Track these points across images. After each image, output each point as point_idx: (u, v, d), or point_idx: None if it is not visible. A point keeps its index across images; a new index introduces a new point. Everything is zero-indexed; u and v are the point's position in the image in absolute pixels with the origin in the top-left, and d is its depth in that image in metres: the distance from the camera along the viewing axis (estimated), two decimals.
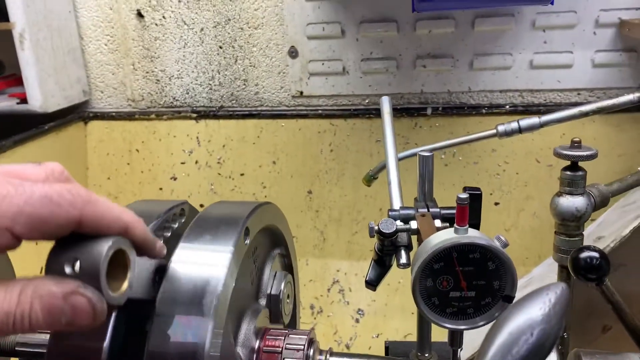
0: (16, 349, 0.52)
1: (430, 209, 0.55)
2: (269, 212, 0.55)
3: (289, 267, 0.63)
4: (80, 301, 0.31)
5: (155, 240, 0.38)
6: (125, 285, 0.35)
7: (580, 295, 0.88)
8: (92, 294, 0.32)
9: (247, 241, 0.48)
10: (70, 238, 0.33)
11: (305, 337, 0.51)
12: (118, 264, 0.35)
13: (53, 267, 0.32)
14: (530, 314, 0.28)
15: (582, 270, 0.51)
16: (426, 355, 0.59)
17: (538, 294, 0.29)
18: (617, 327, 0.94)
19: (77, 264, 0.32)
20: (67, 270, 0.32)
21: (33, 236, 0.31)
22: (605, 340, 0.94)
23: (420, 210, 0.55)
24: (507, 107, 1.20)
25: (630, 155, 1.18)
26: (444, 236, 0.45)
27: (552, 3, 0.85)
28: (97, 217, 0.33)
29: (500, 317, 0.29)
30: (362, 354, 0.53)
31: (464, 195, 0.44)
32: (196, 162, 1.36)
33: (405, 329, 1.29)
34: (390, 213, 0.56)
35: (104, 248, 0.32)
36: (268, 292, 0.56)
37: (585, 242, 0.66)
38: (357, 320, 1.34)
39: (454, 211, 0.46)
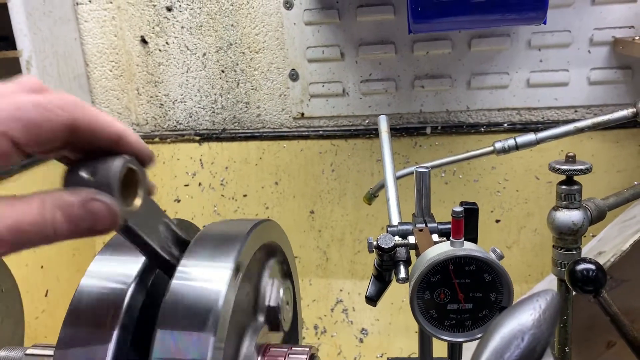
0: None
1: (428, 224, 0.56)
2: (270, 229, 0.56)
3: (287, 274, 0.64)
4: (98, 206, 0.32)
5: (149, 148, 0.39)
6: (137, 200, 0.37)
7: (584, 311, 0.88)
8: (108, 199, 0.33)
9: (248, 258, 0.49)
10: (82, 161, 0.34)
11: (306, 354, 0.52)
12: (129, 184, 0.36)
13: (71, 179, 0.34)
14: (520, 319, 0.29)
15: (579, 282, 0.51)
16: None
17: (529, 300, 0.30)
18: (622, 342, 0.94)
19: (92, 178, 0.34)
20: (85, 176, 0.33)
21: (31, 143, 0.31)
22: (610, 356, 0.94)
23: (418, 225, 0.56)
24: (505, 125, 1.22)
25: (629, 171, 1.19)
26: (440, 249, 0.46)
27: (544, 22, 0.87)
28: (91, 121, 0.33)
29: (492, 322, 0.30)
30: None
31: (459, 209, 0.45)
32: (199, 184, 1.37)
33: (409, 348, 1.29)
34: (388, 229, 0.57)
35: (117, 163, 0.34)
36: (267, 303, 0.56)
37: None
38: (361, 340, 1.34)
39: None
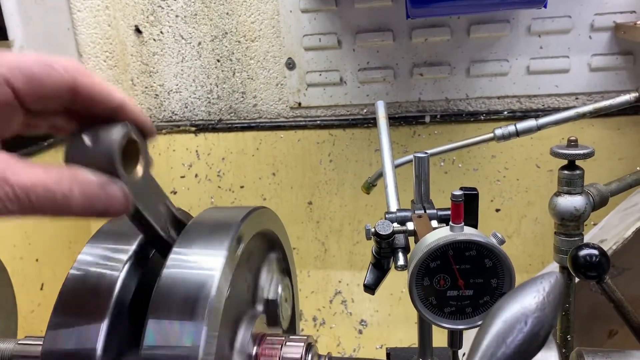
0: (13, 358, 0.52)
1: (427, 210, 0.55)
2: (264, 217, 0.55)
3: (286, 271, 0.62)
4: (115, 191, 0.34)
5: (150, 120, 0.39)
6: (138, 168, 0.38)
7: (586, 300, 0.87)
8: (125, 188, 0.34)
9: (242, 245, 0.47)
10: (83, 128, 0.35)
11: (303, 342, 0.51)
12: (130, 154, 0.37)
13: (74, 144, 0.34)
14: (524, 302, 0.27)
15: (581, 268, 0.50)
16: None
17: (532, 283, 0.28)
18: (623, 331, 0.93)
19: (93, 144, 0.34)
20: (87, 141, 0.34)
21: (32, 96, 0.32)
22: (612, 344, 0.93)
23: (416, 211, 0.55)
24: (505, 113, 1.20)
25: (631, 159, 1.17)
26: (439, 234, 0.44)
27: (545, 6, 0.85)
28: (92, 86, 0.34)
29: (494, 306, 0.29)
30: (361, 358, 0.52)
31: (458, 192, 0.44)
32: (196, 175, 1.36)
33: (409, 339, 1.28)
34: (386, 215, 0.55)
35: (119, 130, 0.35)
36: (265, 296, 0.55)
37: None
38: (360, 332, 1.33)
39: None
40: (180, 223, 0.46)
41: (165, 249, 0.44)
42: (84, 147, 0.34)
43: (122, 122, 0.36)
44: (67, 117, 0.36)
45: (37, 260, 1.18)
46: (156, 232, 0.43)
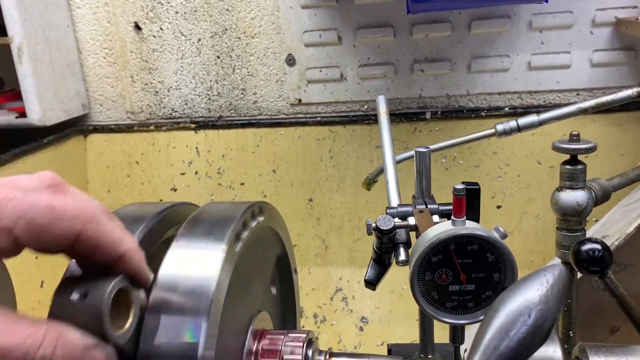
0: None
1: (429, 205, 0.54)
2: (265, 211, 0.54)
3: (287, 269, 0.62)
4: (99, 355, 0.32)
5: (149, 272, 0.39)
6: (128, 324, 0.36)
7: (588, 296, 0.86)
8: (111, 351, 0.33)
9: (242, 240, 0.47)
10: (73, 279, 0.34)
11: (304, 337, 0.50)
12: (122, 303, 0.36)
13: (62, 298, 0.33)
14: (527, 295, 0.27)
15: (584, 263, 0.50)
16: (429, 356, 0.58)
17: (535, 275, 0.28)
18: (626, 327, 0.93)
19: (83, 299, 0.34)
20: (75, 297, 0.33)
21: (31, 243, 0.31)
22: (614, 341, 0.93)
23: (418, 206, 0.54)
24: (507, 109, 1.20)
25: (632, 155, 1.17)
26: (441, 228, 0.44)
27: (546, 1, 0.85)
28: (96, 238, 0.33)
29: (497, 299, 0.28)
30: (362, 353, 0.51)
31: (460, 186, 0.44)
32: (196, 172, 1.36)
33: (410, 335, 1.28)
34: (388, 210, 0.55)
35: (108, 287, 0.34)
36: (267, 296, 0.55)
37: None
38: (361, 329, 1.33)
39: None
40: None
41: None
42: (72, 303, 0.33)
43: (117, 277, 0.35)
44: (68, 253, 0.35)
45: (36, 257, 1.18)
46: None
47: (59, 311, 0.33)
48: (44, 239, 0.31)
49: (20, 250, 0.31)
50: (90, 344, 0.32)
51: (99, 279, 0.34)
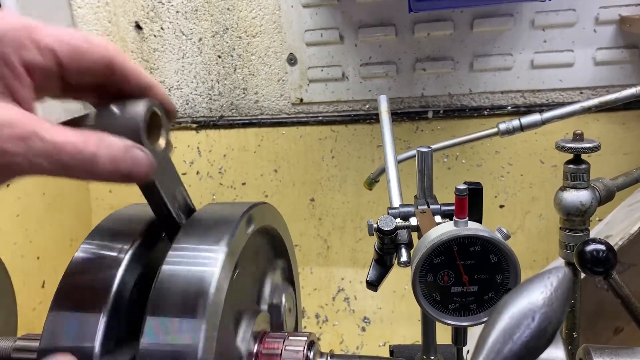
0: (12, 355, 0.51)
1: (431, 206, 0.54)
2: (265, 212, 0.54)
3: (289, 271, 0.61)
4: (139, 154, 0.35)
5: (173, 104, 0.42)
6: (162, 142, 0.40)
7: (591, 297, 0.86)
8: (150, 155, 0.36)
9: (242, 241, 0.46)
10: (113, 100, 0.37)
11: (305, 339, 0.50)
12: (153, 129, 0.39)
13: (102, 112, 0.37)
14: (531, 298, 0.26)
15: (588, 264, 0.49)
16: (432, 358, 0.58)
17: (539, 277, 0.27)
18: (629, 328, 0.92)
19: (121, 112, 0.37)
20: (114, 109, 0.36)
21: (72, 68, 0.34)
22: (617, 342, 0.92)
23: (420, 207, 0.54)
24: (509, 108, 1.19)
25: (636, 154, 1.16)
26: (443, 229, 0.44)
27: None
28: (126, 66, 0.37)
29: (500, 301, 0.28)
30: (364, 355, 0.51)
31: (463, 187, 0.43)
32: (197, 172, 1.35)
33: (412, 336, 1.27)
34: (389, 211, 0.55)
35: (146, 102, 0.37)
36: (269, 302, 0.54)
37: None
38: (363, 329, 1.32)
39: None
40: (191, 211, 0.47)
41: (174, 231, 0.44)
42: (111, 115, 0.36)
43: (149, 98, 0.38)
44: (98, 94, 0.38)
45: (38, 257, 1.18)
46: (168, 211, 0.44)
47: (100, 123, 0.36)
48: (83, 62, 0.34)
49: (62, 76, 0.34)
50: (130, 145, 0.34)
51: (135, 100, 0.37)
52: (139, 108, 0.36)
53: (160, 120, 0.39)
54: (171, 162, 0.43)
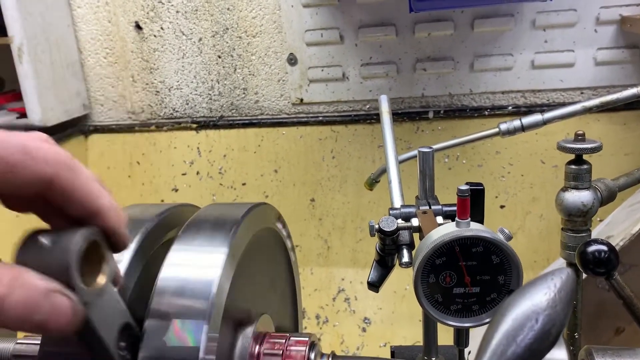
0: (12, 358, 0.51)
1: (432, 206, 0.53)
2: (266, 213, 0.54)
3: (289, 270, 0.61)
4: (62, 301, 0.29)
5: (127, 236, 0.35)
6: (101, 279, 0.33)
7: (592, 297, 0.86)
8: (77, 302, 0.30)
9: (243, 242, 0.46)
10: (46, 229, 0.31)
11: (307, 340, 0.50)
12: (95, 260, 0.33)
13: (27, 243, 0.31)
14: (534, 300, 0.26)
15: (590, 265, 0.49)
16: (433, 359, 0.57)
17: (542, 279, 0.27)
18: (631, 328, 0.92)
19: (50, 244, 0.31)
20: (42, 242, 0.30)
21: (2, 183, 0.28)
22: (619, 342, 0.92)
23: (421, 207, 0.53)
24: (510, 108, 1.19)
25: (637, 154, 1.16)
26: (445, 230, 0.43)
27: None
28: (70, 186, 0.31)
29: (503, 303, 0.28)
30: (365, 356, 0.51)
31: (465, 187, 0.43)
32: (197, 172, 1.35)
33: (413, 336, 1.27)
34: (391, 211, 0.54)
35: (82, 232, 0.31)
36: (269, 299, 0.54)
37: None
38: (363, 330, 1.32)
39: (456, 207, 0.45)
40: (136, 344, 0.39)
41: None
42: (37, 248, 0.30)
43: (89, 227, 0.32)
44: (41, 209, 0.32)
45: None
46: (108, 354, 0.36)
47: (23, 256, 0.30)
48: (12, 179, 0.28)
49: None
50: (52, 289, 0.28)
51: (71, 229, 0.31)
52: (73, 240, 0.30)
53: (103, 252, 0.33)
54: (117, 297, 0.36)
